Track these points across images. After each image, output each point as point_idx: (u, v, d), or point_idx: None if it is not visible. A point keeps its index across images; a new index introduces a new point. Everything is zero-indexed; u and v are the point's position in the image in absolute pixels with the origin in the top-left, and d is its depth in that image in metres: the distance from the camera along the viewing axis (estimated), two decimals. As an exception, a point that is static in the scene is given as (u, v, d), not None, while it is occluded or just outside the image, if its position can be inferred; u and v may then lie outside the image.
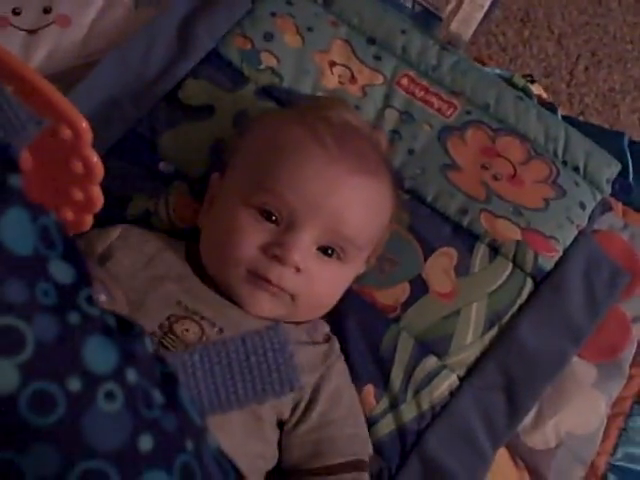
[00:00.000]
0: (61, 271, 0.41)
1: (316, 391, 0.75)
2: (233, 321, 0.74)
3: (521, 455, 0.81)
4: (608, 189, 0.91)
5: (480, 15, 0.95)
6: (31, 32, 0.96)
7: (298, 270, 0.73)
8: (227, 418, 0.68)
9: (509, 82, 0.96)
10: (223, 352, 0.69)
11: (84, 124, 0.53)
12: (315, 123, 0.78)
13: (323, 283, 0.76)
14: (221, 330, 0.72)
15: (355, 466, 0.74)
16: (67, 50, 0.96)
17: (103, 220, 0.66)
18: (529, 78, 0.99)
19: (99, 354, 0.40)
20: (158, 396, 0.43)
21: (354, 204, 0.75)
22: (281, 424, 0.74)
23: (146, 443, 0.40)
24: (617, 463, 0.82)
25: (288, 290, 0.74)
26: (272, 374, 0.68)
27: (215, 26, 0.94)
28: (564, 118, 0.97)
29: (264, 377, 0.68)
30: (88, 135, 0.53)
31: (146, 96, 0.90)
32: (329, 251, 0.75)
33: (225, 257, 0.75)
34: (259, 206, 0.74)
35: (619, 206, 0.92)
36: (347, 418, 0.76)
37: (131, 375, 0.41)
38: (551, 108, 0.95)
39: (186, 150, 0.88)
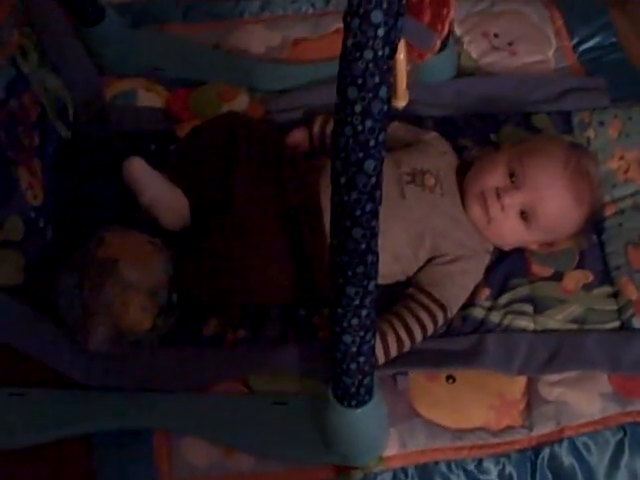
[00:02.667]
0: None
1: (462, 258, 1.25)
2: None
3: (529, 389, 1.22)
4: None
5: None
6: (494, 47, 1.62)
7: (502, 208, 1.25)
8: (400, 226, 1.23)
9: None
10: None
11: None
12: (573, 155, 1.28)
13: (509, 225, 1.26)
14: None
15: (442, 307, 1.23)
16: (503, 65, 1.61)
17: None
18: None
19: None
20: None
21: (554, 204, 1.24)
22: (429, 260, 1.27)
23: None
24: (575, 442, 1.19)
25: (491, 214, 1.26)
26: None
27: (581, 102, 1.51)
28: None
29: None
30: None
31: (517, 105, 1.51)
32: (524, 215, 1.26)
33: (478, 180, 1.28)
34: (511, 169, 1.26)
35: None
36: (462, 287, 1.26)
37: None
38: None
39: (511, 139, 1.45)
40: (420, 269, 1.27)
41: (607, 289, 1.30)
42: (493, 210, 1.26)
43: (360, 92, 0.75)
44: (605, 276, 1.32)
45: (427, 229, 1.25)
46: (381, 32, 0.71)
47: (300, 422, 1.16)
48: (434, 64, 1.46)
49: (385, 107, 0.79)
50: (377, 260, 0.88)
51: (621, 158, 1.44)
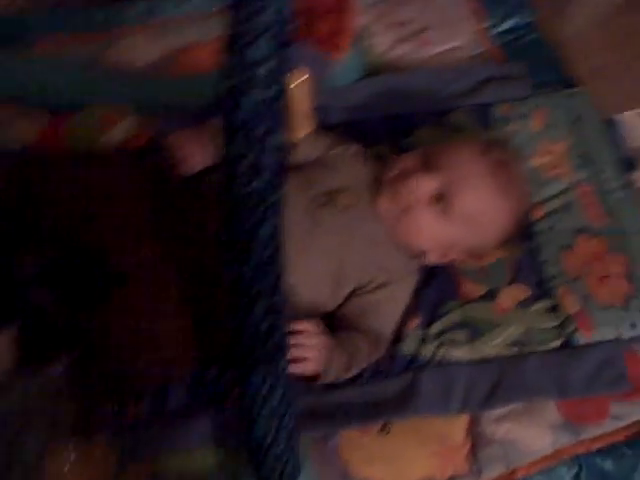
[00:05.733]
0: None
1: (386, 284, 1.12)
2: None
3: (472, 429, 1.11)
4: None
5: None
6: (403, 38, 1.48)
7: (413, 192, 1.09)
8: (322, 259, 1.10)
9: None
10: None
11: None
12: (492, 146, 1.16)
13: (422, 216, 1.11)
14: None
15: (376, 341, 1.11)
16: (414, 57, 1.47)
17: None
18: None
19: None
20: None
21: (472, 189, 1.10)
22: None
23: None
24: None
25: (401, 200, 1.11)
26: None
27: (500, 93, 1.38)
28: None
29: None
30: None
31: (433, 102, 1.37)
32: (439, 203, 1.10)
33: (388, 170, 1.14)
34: (424, 156, 1.13)
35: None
36: (389, 316, 1.13)
37: None
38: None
39: (429, 140, 1.32)
40: (349, 301, 1.14)
41: (545, 303, 1.19)
42: (403, 195, 1.11)
43: (246, 145, 0.64)
44: (541, 288, 1.20)
45: (346, 256, 1.11)
46: (263, 71, 0.61)
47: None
48: (339, 65, 1.32)
49: (279, 159, 0.67)
50: (285, 337, 0.77)
51: (547, 152, 1.32)
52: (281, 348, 0.78)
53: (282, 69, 0.64)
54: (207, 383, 1.09)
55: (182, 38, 1.49)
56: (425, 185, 1.11)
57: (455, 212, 1.10)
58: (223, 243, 0.70)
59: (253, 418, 0.80)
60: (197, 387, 1.09)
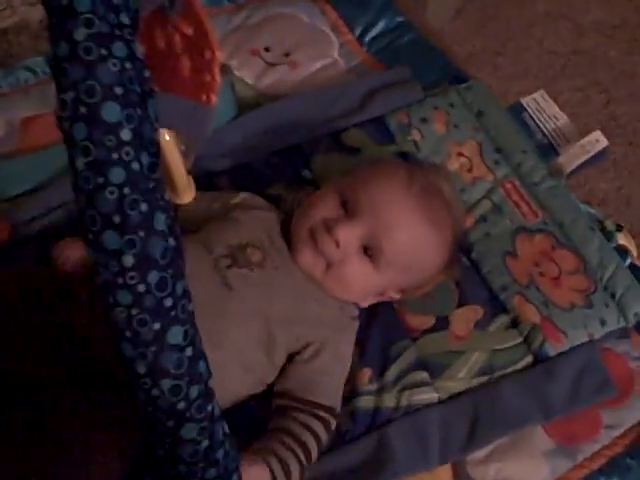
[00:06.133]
0: None
1: (326, 344, 0.96)
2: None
3: (459, 477, 0.96)
4: (633, 321, 1.06)
5: (584, 158, 1.16)
6: (270, 65, 1.33)
7: (338, 245, 0.95)
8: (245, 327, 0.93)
9: (600, 223, 1.16)
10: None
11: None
12: (417, 172, 1.02)
13: (352, 269, 0.97)
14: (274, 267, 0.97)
15: (329, 410, 0.94)
16: (286, 83, 1.31)
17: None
18: (619, 227, 1.16)
19: None
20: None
21: (403, 233, 0.96)
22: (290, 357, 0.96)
23: None
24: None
25: (325, 255, 0.96)
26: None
27: (391, 102, 1.25)
28: (633, 267, 1.13)
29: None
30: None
31: (320, 127, 1.22)
32: (368, 252, 0.97)
33: (304, 218, 0.99)
34: (342, 196, 0.99)
35: (638, 339, 1.07)
36: (339, 376, 0.97)
37: None
38: (622, 253, 1.12)
39: (327, 169, 1.17)
40: (284, 372, 0.96)
41: (503, 319, 1.05)
42: (327, 249, 0.96)
43: (123, 236, 0.52)
44: (494, 304, 1.07)
45: (272, 319, 0.94)
46: (127, 135, 0.50)
47: None
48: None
49: (172, 242, 0.55)
50: (231, 450, 0.63)
51: (459, 155, 1.20)
52: (230, 463, 0.62)
53: (147, 130, 0.51)
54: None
55: (16, 112, 1.28)
56: (350, 235, 0.96)
57: (387, 259, 0.97)
58: (124, 361, 0.56)
59: None
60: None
